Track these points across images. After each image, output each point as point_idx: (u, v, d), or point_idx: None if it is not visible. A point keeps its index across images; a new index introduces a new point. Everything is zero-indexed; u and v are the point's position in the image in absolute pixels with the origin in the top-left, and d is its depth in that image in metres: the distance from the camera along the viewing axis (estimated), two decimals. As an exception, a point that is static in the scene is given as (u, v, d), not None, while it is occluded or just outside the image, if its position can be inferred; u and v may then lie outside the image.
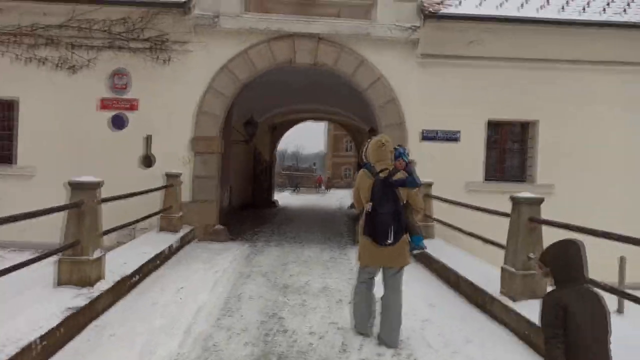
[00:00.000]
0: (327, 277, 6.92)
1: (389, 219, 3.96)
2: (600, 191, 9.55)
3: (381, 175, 4.07)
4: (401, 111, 9.57)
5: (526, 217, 4.91)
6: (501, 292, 5.03)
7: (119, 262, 5.91)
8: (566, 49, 9.49)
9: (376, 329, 4.40)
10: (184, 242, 8.51)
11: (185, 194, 9.44)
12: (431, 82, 9.60)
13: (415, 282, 6.27)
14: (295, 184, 39.96)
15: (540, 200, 4.99)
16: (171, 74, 9.42)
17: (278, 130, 21.20)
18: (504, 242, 5.25)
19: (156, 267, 6.66)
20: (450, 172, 9.47)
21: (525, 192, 5.21)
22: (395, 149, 4.31)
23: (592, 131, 9.62)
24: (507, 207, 5.40)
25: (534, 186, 9.60)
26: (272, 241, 10.05)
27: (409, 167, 4.20)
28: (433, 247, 7.81)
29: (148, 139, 9.50)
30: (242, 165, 17.49)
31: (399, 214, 4.01)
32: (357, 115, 17.77)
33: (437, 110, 9.58)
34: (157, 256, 6.74)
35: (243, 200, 17.72)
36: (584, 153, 9.62)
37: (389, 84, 9.56)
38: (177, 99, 9.43)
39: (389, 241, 3.97)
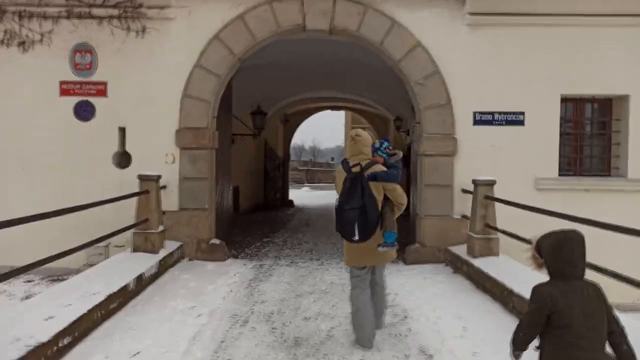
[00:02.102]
0: (358, 322, 4.79)
1: (354, 215, 3.88)
2: None
3: (353, 170, 4.00)
4: (446, 88, 7.34)
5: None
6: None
7: (42, 315, 3.88)
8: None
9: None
10: (166, 265, 6.48)
11: (171, 201, 7.41)
12: (485, 48, 7.35)
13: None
14: (309, 181, 37.72)
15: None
16: (147, 48, 7.36)
17: (291, 121, 19.05)
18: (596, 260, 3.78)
19: (110, 314, 4.61)
20: (513, 165, 7.23)
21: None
22: (374, 143, 4.26)
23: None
24: (590, 210, 5.14)
25: (625, 181, 7.31)
26: (284, 257, 7.96)
27: (388, 161, 4.16)
28: (497, 268, 5.67)
29: (123, 132, 7.48)
30: (250, 163, 15.45)
31: (365, 210, 3.87)
32: (380, 103, 15.59)
33: (493, 85, 7.33)
34: (112, 297, 4.70)
35: (253, 202, 15.69)
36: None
37: (429, 53, 7.34)
38: (155, 80, 7.37)
39: (355, 238, 3.91)
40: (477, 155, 7.30)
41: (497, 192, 6.49)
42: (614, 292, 3.41)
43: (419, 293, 5.81)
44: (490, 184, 6.46)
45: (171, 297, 5.43)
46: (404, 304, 5.41)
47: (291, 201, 18.34)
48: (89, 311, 4.17)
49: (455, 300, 5.42)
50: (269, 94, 13.48)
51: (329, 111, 21.75)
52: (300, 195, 23.12)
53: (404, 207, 4.13)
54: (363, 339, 4.13)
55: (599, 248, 3.74)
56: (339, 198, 4.04)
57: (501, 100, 7.34)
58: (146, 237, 6.42)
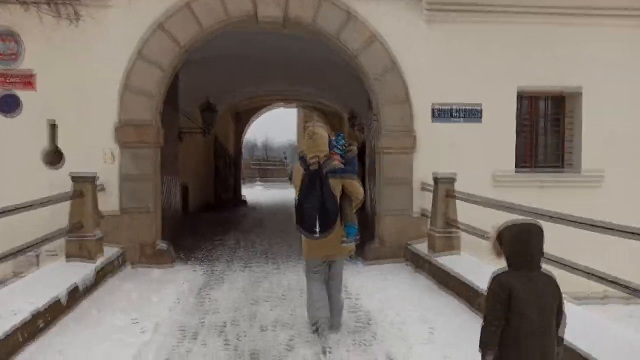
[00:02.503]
0: (320, 330, 4.45)
1: (314, 211, 3.92)
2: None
3: (312, 166, 4.00)
4: (405, 83, 7.11)
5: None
6: None
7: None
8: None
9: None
10: (105, 273, 5.88)
11: (112, 204, 6.78)
12: (443, 42, 7.16)
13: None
14: (262, 178, 36.91)
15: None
16: (82, 37, 6.67)
17: (243, 118, 18.46)
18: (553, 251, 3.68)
19: (36, 335, 4.03)
20: (472, 161, 7.08)
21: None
22: (330, 139, 4.24)
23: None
24: (545, 202, 5.12)
25: (579, 176, 7.36)
26: (237, 260, 7.49)
27: (347, 156, 4.20)
28: (460, 266, 5.51)
29: (54, 128, 6.76)
30: (200, 161, 14.77)
31: (324, 205, 3.92)
32: (334, 100, 15.30)
33: (452, 80, 7.17)
34: (39, 315, 4.11)
35: (203, 201, 15.02)
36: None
37: (387, 46, 7.08)
38: (92, 72, 6.70)
39: (315, 233, 3.94)
40: (435, 151, 7.11)
41: (459, 188, 6.32)
42: (571, 283, 3.54)
43: (381, 295, 5.54)
44: (452, 179, 6.29)
45: (110, 311, 4.87)
46: (367, 307, 5.13)
47: (244, 200, 17.78)
48: (8, 335, 3.58)
49: (419, 302, 5.19)
50: (220, 88, 12.85)
51: (282, 108, 21.36)
52: (254, 194, 22.50)
53: (362, 202, 4.23)
54: (319, 322, 4.07)
55: (558, 242, 3.62)
56: (298, 195, 4.05)
57: (459, 95, 7.20)
58: (81, 244, 5.79)
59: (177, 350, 4.05)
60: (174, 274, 6.50)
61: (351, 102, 14.09)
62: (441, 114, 7.19)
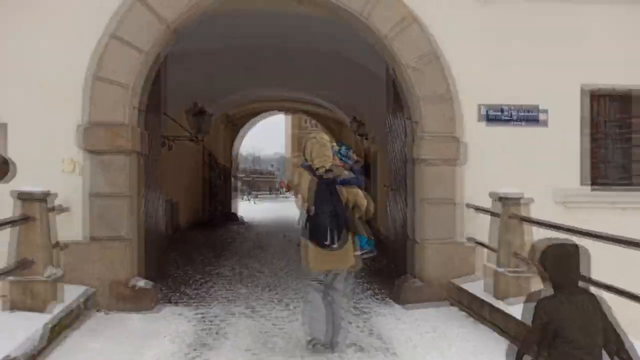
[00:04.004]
0: None
1: (328, 220, 3.85)
2: None
3: (320, 173, 3.98)
4: (449, 76, 5.69)
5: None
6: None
7: None
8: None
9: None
10: (62, 327, 4.29)
11: (74, 229, 5.22)
12: (496, 27, 5.77)
13: None
14: (252, 192, 35.29)
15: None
16: (32, 8, 5.15)
17: (237, 125, 16.91)
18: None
19: None
20: (529, 174, 5.64)
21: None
22: (333, 146, 4.29)
23: None
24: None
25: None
26: (236, 299, 5.92)
27: (352, 166, 4.28)
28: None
29: (2, 130, 5.20)
30: (189, 172, 13.19)
31: (337, 215, 3.88)
32: (337, 103, 13.91)
33: (505, 73, 5.77)
34: None
35: (193, 218, 13.44)
36: None
37: (426, 28, 5.67)
38: (47, 53, 5.18)
39: (327, 243, 3.87)
40: (485, 162, 5.69)
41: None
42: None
43: (438, 357, 4.05)
44: (518, 199, 4.84)
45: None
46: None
47: (237, 216, 16.18)
48: None
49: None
50: (209, 89, 11.36)
51: (273, 116, 19.85)
52: (246, 208, 20.93)
53: (370, 211, 4.16)
54: (317, 333, 4.05)
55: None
56: (311, 203, 3.93)
57: (515, 93, 5.80)
58: (26, 288, 4.20)
59: None
60: (157, 322, 4.93)
61: (356, 106, 12.70)
62: (492, 115, 5.78)
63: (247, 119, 17.33)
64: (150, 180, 6.27)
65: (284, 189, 45.02)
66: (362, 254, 4.05)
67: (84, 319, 4.83)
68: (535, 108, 5.82)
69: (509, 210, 4.74)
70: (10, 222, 4.18)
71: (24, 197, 4.31)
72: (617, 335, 2.27)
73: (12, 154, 5.19)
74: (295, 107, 16.64)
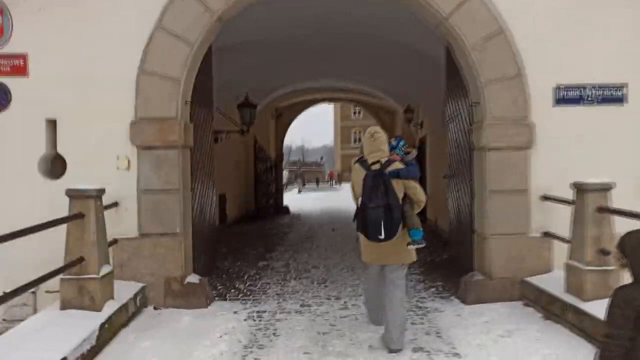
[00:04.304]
0: None
1: (379, 213, 3.80)
2: None
3: (372, 167, 3.95)
4: (516, 53, 5.17)
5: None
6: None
7: None
8: None
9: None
10: (114, 327, 4.22)
11: (127, 225, 5.15)
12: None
13: None
14: (301, 181, 35.40)
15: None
16: (87, 5, 5.09)
17: (284, 116, 16.77)
18: None
19: None
20: (608, 160, 5.07)
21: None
22: (390, 141, 4.26)
23: None
24: None
25: None
26: (289, 294, 5.72)
27: (404, 158, 4.18)
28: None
29: (53, 126, 5.19)
30: (238, 165, 13.17)
31: (391, 208, 3.80)
32: (388, 92, 13.43)
33: (582, 49, 5.19)
34: None
35: (243, 210, 13.42)
36: None
37: (492, 5, 5.17)
38: (97, 50, 5.10)
39: (380, 237, 3.82)
40: (558, 148, 5.16)
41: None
42: None
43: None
44: (605, 189, 4.30)
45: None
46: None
47: (286, 207, 16.09)
48: None
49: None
50: (258, 82, 11.20)
51: (319, 108, 19.51)
52: (294, 199, 20.87)
53: (423, 205, 4.10)
54: (370, 316, 4.41)
55: None
56: (361, 196, 3.95)
57: (593, 71, 5.20)
58: (80, 286, 4.14)
59: None
60: (209, 320, 4.79)
61: (409, 95, 12.20)
62: (568, 97, 5.21)
63: (295, 110, 17.14)
64: (201, 174, 6.16)
65: (332, 180, 44.87)
66: (412, 246, 3.95)
67: (136, 315, 4.78)
68: (618, 87, 5.20)
69: (595, 202, 4.22)
70: (65, 220, 4.12)
71: (76, 195, 4.23)
72: None
73: (62, 150, 5.17)
74: (344, 97, 16.27)
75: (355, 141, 55.03)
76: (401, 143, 4.32)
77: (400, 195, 3.92)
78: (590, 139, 5.15)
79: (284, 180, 33.19)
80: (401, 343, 3.93)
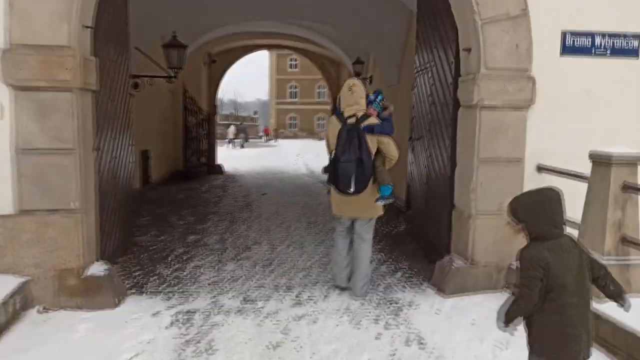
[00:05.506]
0: None
1: (351, 167, 3.88)
2: None
3: (349, 121, 3.96)
4: (521, -13, 4.12)
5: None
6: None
7: None
8: None
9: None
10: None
11: (2, 198, 3.68)
12: None
13: None
14: (243, 136, 33.63)
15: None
16: None
17: (218, 63, 14.96)
18: None
19: None
20: (620, 122, 4.28)
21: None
22: (369, 94, 4.24)
23: None
24: None
25: None
26: (227, 287, 4.51)
27: (381, 114, 4.16)
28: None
29: None
30: (164, 117, 11.48)
31: (362, 162, 3.88)
32: (337, 41, 12.13)
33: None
34: None
35: (169, 169, 11.87)
36: None
37: None
38: None
39: (350, 190, 3.91)
40: (563, 106, 4.28)
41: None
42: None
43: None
44: (634, 162, 3.46)
45: None
46: None
47: (219, 166, 14.63)
48: None
49: None
50: (186, 23, 9.48)
51: (253, 56, 17.64)
52: (227, 157, 19.30)
53: (395, 161, 4.09)
54: (338, 280, 4.31)
55: None
56: (334, 149, 3.98)
57: (608, 17, 4.29)
58: None
59: None
60: (117, 330, 3.52)
61: (361, 45, 10.98)
62: (577, 44, 4.29)
63: (230, 57, 15.35)
64: (113, 128, 4.73)
65: (267, 136, 43.29)
66: (380, 201, 4.04)
67: (12, 322, 3.43)
68: (631, 37, 4.34)
69: (621, 177, 3.36)
70: None
71: None
72: (604, 267, 2.24)
73: None
74: (286, 44, 14.74)
75: (292, 96, 53.19)
76: (379, 97, 4.29)
77: (374, 151, 3.97)
78: (596, 94, 4.30)
79: (231, 135, 31.30)
80: (365, 292, 4.12)
